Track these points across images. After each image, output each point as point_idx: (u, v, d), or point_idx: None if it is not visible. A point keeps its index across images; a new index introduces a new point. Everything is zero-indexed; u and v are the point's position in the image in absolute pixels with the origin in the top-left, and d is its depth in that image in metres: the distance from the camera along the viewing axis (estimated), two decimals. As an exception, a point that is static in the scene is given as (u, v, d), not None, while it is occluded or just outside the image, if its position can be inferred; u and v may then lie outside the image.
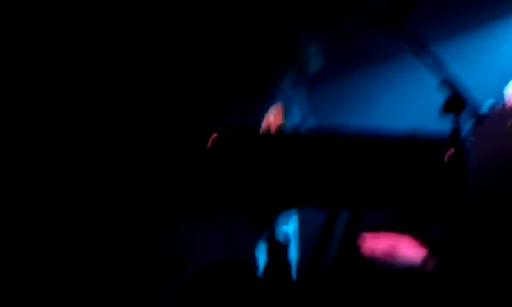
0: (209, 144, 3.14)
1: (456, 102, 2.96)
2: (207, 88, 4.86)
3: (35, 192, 4.71)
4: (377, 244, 3.81)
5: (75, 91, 4.85)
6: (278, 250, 3.44)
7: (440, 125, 3.09)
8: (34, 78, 4.80)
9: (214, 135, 3.14)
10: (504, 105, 4.64)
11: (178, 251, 4.70)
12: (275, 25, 4.35)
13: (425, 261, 3.75)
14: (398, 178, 3.23)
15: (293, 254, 4.36)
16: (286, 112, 4.26)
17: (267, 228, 3.40)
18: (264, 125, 4.23)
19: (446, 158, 3.19)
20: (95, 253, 4.70)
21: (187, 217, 4.68)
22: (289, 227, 4.32)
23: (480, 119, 3.03)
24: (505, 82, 4.69)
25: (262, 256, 3.86)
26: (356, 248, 3.81)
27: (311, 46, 4.31)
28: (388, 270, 3.82)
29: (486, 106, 4.56)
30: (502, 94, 4.68)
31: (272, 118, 4.22)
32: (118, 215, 4.76)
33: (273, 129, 4.13)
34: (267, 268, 3.45)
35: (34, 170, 4.73)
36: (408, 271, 3.78)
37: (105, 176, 4.82)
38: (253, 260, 4.08)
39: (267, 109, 4.23)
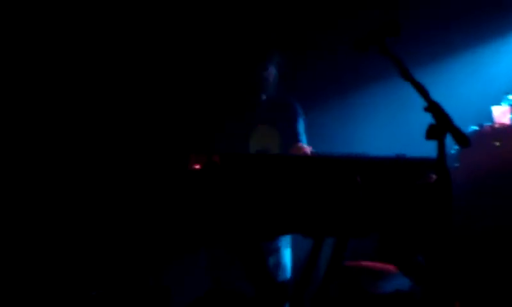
0: (193, 170, 3.11)
1: (438, 128, 2.92)
2: (184, 115, 4.81)
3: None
4: (363, 269, 3.81)
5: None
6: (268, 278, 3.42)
7: (427, 148, 3.06)
8: (24, 81, 4.77)
9: (197, 164, 3.12)
10: (491, 125, 4.64)
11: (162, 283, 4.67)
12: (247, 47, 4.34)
13: (412, 288, 3.75)
14: (384, 203, 3.21)
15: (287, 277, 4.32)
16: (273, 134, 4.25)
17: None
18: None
19: (431, 183, 3.17)
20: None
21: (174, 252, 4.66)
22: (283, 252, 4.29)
23: (465, 142, 2.96)
24: (491, 104, 4.71)
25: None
26: (342, 274, 3.80)
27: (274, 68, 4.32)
28: (375, 295, 3.81)
29: (470, 129, 4.57)
30: (489, 115, 4.69)
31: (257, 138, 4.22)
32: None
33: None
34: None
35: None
36: (394, 296, 3.77)
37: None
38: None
39: (250, 132, 4.23)
